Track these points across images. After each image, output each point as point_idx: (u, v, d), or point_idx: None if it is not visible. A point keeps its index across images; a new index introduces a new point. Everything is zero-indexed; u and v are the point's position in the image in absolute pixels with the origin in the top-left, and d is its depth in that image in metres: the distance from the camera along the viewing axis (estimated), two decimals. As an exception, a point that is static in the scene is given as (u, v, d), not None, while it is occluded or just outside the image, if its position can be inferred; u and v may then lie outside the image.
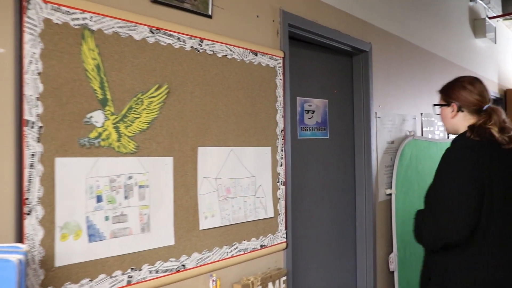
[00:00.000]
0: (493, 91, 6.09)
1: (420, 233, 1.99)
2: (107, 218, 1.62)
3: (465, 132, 1.99)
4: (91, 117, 1.57)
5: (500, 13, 5.96)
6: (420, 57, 4.08)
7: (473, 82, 2.07)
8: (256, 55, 2.24)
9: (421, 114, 4.05)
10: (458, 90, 2.06)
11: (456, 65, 4.88)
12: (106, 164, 1.62)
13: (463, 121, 2.04)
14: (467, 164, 1.87)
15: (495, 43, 5.93)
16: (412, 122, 3.86)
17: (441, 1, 4.64)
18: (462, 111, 2.04)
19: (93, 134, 1.58)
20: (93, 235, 1.58)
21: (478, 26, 5.51)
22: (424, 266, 2.09)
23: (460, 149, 1.95)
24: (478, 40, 5.61)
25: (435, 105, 2.20)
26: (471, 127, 1.98)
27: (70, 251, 1.51)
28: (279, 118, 2.37)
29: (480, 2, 5.49)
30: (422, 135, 4.05)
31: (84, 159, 1.55)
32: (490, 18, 5.65)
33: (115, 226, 1.64)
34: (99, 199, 1.60)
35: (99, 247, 1.59)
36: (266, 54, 2.30)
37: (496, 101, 6.53)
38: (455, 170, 1.89)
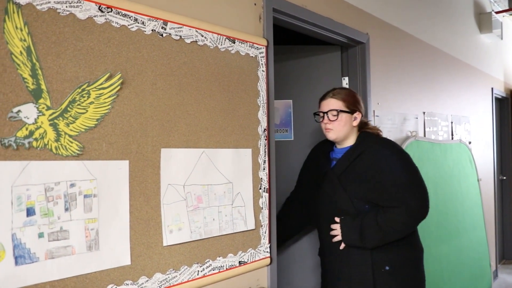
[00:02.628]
0: (498, 90, 5.80)
1: (404, 224, 2.06)
2: (41, 235, 1.32)
3: (375, 134, 2.23)
4: (19, 111, 1.28)
5: (507, 8, 5.66)
6: (422, 52, 3.79)
7: None
8: (234, 42, 1.94)
9: (424, 113, 3.76)
10: (359, 100, 2.23)
11: (460, 61, 4.59)
12: (40, 169, 1.32)
13: (356, 129, 2.23)
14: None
15: (502, 39, 5.63)
16: (413, 122, 3.57)
17: (444, -7, 4.35)
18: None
19: (22, 133, 1.28)
20: (22, 256, 1.28)
21: (483, 20, 5.22)
22: (369, 262, 2.10)
23: (398, 145, 2.23)
24: (484, 36, 5.31)
25: (341, 111, 2.15)
26: (372, 131, 2.24)
27: (-10, 277, 1.22)
28: (262, 115, 2.07)
29: (486, -5, 5.22)
30: (424, 135, 3.76)
31: (9, 163, 1.25)
32: (496, 12, 5.35)
33: (52, 245, 1.34)
34: (30, 212, 1.30)
35: (30, 271, 1.29)
36: (246, 41, 2.00)
37: (502, 100, 6.24)
38: (410, 160, 2.15)
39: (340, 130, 2.15)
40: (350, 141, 2.20)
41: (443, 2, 4.29)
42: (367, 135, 2.20)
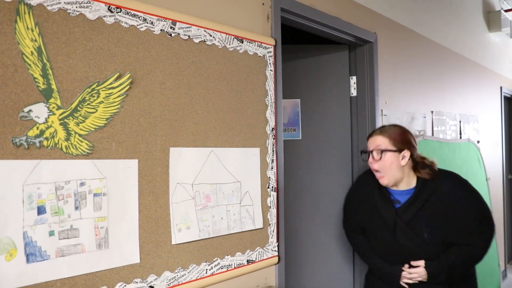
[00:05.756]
0: (507, 89, 5.77)
1: (483, 251, 2.06)
2: (51, 233, 1.34)
3: (434, 176, 2.06)
4: (30, 111, 1.29)
5: (516, 6, 5.62)
6: (430, 51, 3.78)
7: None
8: (242, 42, 1.95)
9: (432, 112, 3.75)
10: (410, 137, 2.09)
11: (469, 60, 4.57)
12: (51, 168, 1.33)
13: (410, 169, 2.08)
14: None
15: (511, 37, 5.59)
16: (422, 121, 3.55)
17: (452, -9, 4.33)
18: (410, 159, 2.06)
19: (33, 132, 1.30)
20: (33, 254, 1.29)
21: (492, 19, 5.18)
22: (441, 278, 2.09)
23: (459, 177, 2.13)
24: (492, 34, 5.28)
25: (386, 150, 2.04)
26: (431, 167, 2.09)
27: (1, 274, 1.23)
28: (270, 114, 2.08)
29: (495, -7, 5.19)
30: (432, 135, 3.74)
31: (21, 162, 1.27)
32: (505, 11, 5.32)
33: (62, 243, 1.36)
34: (41, 210, 1.31)
35: (41, 269, 1.31)
36: (254, 41, 2.00)
37: (511, 99, 6.20)
38: (474, 190, 2.08)
39: (389, 172, 2.04)
40: (407, 184, 2.09)
41: (451, 1, 4.27)
42: (426, 180, 2.07)
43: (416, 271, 2.08)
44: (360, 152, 2.15)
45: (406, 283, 2.13)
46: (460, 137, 4.26)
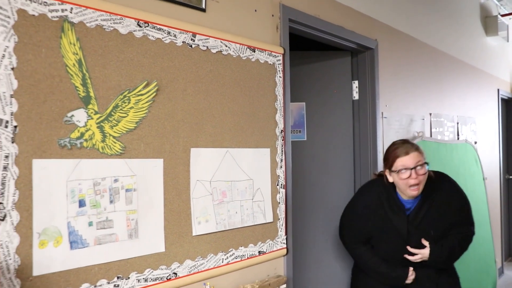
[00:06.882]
0: (505, 91, 5.93)
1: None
2: (90, 224, 1.51)
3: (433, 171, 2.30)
4: (73, 116, 1.47)
5: (513, 11, 5.80)
6: (429, 55, 3.95)
7: None
8: (254, 51, 2.12)
9: (430, 114, 3.92)
10: None
11: (466, 63, 4.74)
12: (89, 166, 1.51)
13: None
14: None
15: (508, 41, 5.76)
16: (420, 123, 3.73)
17: (450, -2, 4.50)
18: None
19: (74, 134, 1.47)
20: (75, 241, 1.47)
21: (489, 23, 5.35)
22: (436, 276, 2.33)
23: (447, 175, 2.39)
24: (490, 39, 5.45)
25: (425, 163, 2.15)
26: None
27: (49, 259, 1.41)
28: (279, 117, 2.25)
29: (492, -1, 5.35)
30: (431, 136, 3.91)
31: (65, 161, 1.45)
32: (502, 15, 5.49)
33: (99, 232, 1.54)
34: (81, 203, 1.49)
35: (82, 255, 1.49)
36: (265, 50, 2.18)
37: (508, 101, 6.37)
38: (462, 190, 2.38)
39: (422, 183, 2.13)
40: None
41: (449, 7, 4.44)
42: (428, 183, 2.18)
43: (420, 252, 2.22)
44: (389, 171, 2.17)
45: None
46: (458, 138, 4.43)
